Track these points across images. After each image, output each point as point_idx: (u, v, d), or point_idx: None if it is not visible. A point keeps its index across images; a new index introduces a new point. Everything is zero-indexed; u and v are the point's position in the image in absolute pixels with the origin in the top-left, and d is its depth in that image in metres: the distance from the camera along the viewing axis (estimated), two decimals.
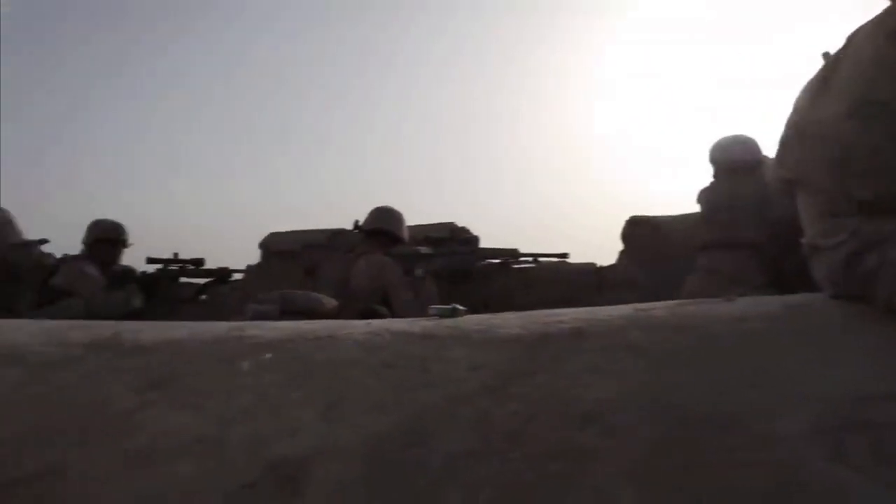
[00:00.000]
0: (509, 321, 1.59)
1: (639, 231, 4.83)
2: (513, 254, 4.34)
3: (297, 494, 1.06)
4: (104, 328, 1.75)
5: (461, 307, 1.97)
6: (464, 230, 4.49)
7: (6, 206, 4.43)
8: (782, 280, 2.66)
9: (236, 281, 4.89)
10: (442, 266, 3.97)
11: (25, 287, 4.34)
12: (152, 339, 1.61)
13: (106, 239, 4.41)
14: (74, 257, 4.40)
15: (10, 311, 3.99)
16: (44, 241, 5.18)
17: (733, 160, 3.24)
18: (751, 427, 1.08)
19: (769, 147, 3.29)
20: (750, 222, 3.02)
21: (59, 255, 4.66)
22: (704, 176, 3.36)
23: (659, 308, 1.58)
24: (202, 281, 4.79)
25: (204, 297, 4.77)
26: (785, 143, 1.48)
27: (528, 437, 1.10)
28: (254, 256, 5.05)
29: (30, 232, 4.51)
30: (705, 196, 3.30)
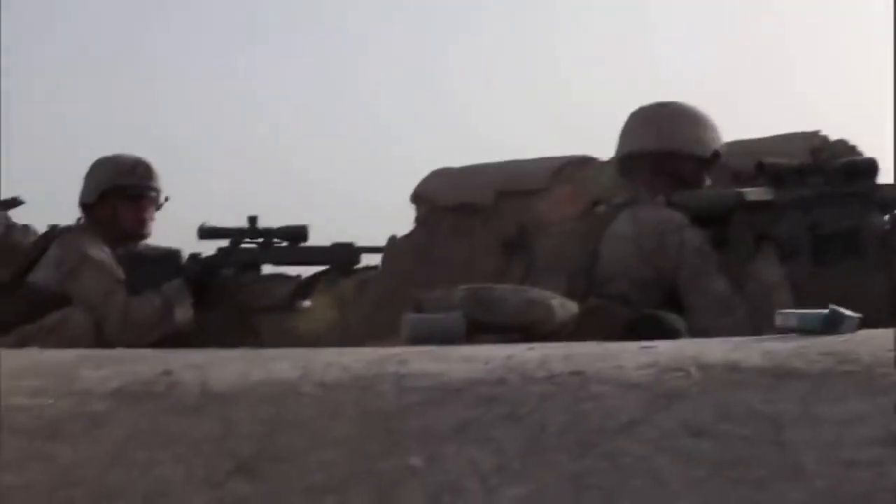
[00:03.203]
0: None
1: None
2: None
3: None
4: (144, 362, 1.93)
5: (849, 313, 1.94)
6: (841, 145, 4.34)
7: None
8: None
9: (370, 269, 5.11)
10: (797, 225, 3.88)
11: None
12: (231, 381, 1.75)
13: (117, 189, 4.80)
14: (67, 229, 4.84)
15: None
16: (16, 203, 5.75)
17: None
18: None
19: None
20: None
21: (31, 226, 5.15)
22: None
23: None
24: (304, 272, 5.07)
25: (307, 301, 5.05)
26: None
27: None
28: (403, 221, 5.24)
29: None
30: None
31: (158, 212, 4.90)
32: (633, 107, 4.11)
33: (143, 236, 4.88)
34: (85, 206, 4.86)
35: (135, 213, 4.81)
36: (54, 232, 4.85)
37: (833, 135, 4.52)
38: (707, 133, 3.99)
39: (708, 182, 4.00)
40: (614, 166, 4.10)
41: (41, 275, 4.68)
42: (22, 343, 3.94)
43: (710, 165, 3.98)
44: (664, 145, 3.93)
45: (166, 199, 4.93)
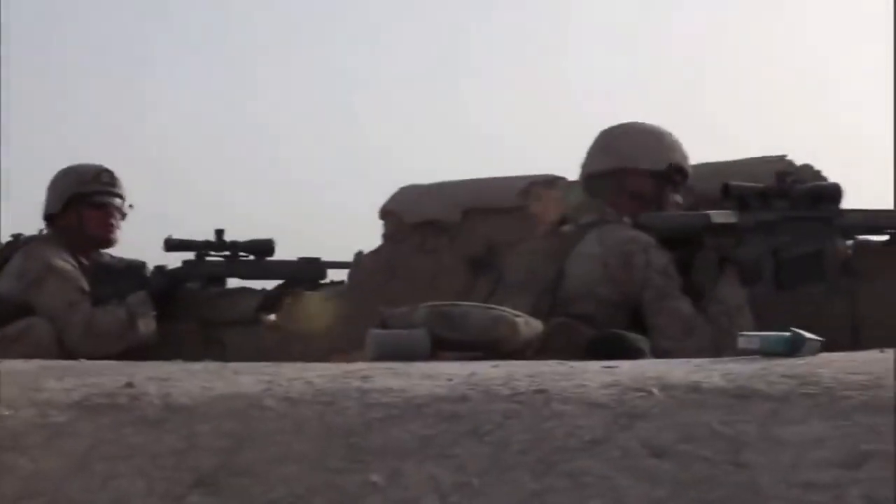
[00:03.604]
0: None
1: None
2: None
3: None
4: (107, 374, 1.92)
5: (811, 336, 1.96)
6: (807, 171, 4.36)
7: None
8: None
9: (336, 285, 5.11)
10: (760, 248, 3.90)
11: None
12: (194, 394, 1.75)
13: (80, 197, 4.78)
14: (31, 239, 4.82)
15: None
16: None
17: None
18: None
19: None
20: None
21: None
22: None
23: None
24: (268, 284, 5.07)
25: (273, 316, 5.04)
26: None
27: None
28: (369, 237, 5.24)
29: None
30: None
31: (123, 221, 4.90)
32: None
33: (110, 242, 4.87)
34: (49, 217, 4.84)
35: (100, 219, 4.79)
36: (18, 241, 4.83)
37: (799, 160, 4.55)
38: (660, 147, 4.01)
39: (678, 199, 4.01)
40: (581, 186, 4.12)
41: (3, 284, 4.66)
42: None
43: (670, 181, 4.00)
44: (616, 163, 3.96)
45: (131, 207, 4.92)
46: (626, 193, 3.94)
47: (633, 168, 3.95)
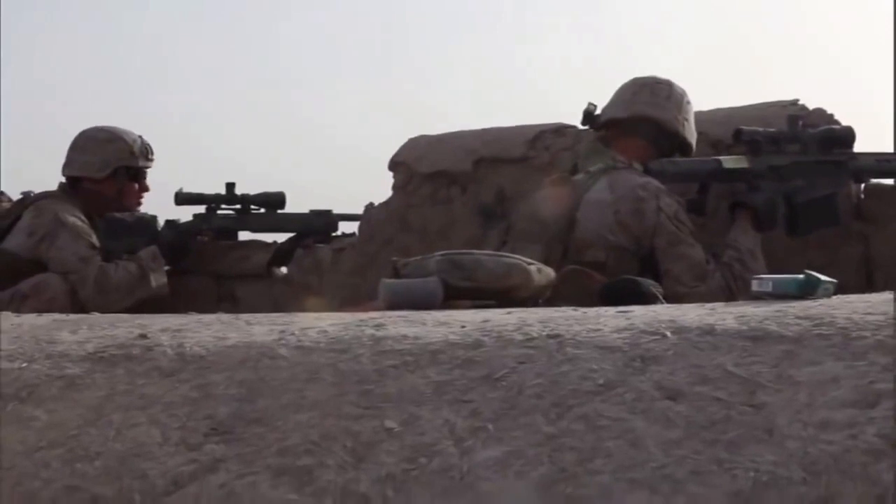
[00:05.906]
0: None
1: None
2: None
3: None
4: (120, 326, 1.93)
5: (823, 277, 1.96)
6: (819, 114, 4.36)
7: None
8: None
9: (347, 237, 5.12)
10: (773, 193, 3.90)
11: None
12: (207, 345, 1.76)
13: (127, 169, 4.83)
14: (42, 196, 4.83)
15: None
16: None
17: None
18: None
19: None
20: None
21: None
22: None
23: None
24: (279, 238, 5.09)
25: (284, 268, 5.06)
26: None
27: None
28: (380, 188, 5.25)
29: None
30: None
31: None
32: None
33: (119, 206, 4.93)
34: (78, 177, 4.89)
35: (137, 193, 4.91)
36: (29, 199, 4.85)
37: (811, 104, 4.54)
38: (675, 103, 4.02)
39: None
40: (598, 129, 4.10)
41: (14, 241, 4.69)
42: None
43: (680, 138, 4.02)
44: (636, 112, 3.95)
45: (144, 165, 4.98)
46: (660, 147, 3.95)
47: (654, 117, 3.95)
